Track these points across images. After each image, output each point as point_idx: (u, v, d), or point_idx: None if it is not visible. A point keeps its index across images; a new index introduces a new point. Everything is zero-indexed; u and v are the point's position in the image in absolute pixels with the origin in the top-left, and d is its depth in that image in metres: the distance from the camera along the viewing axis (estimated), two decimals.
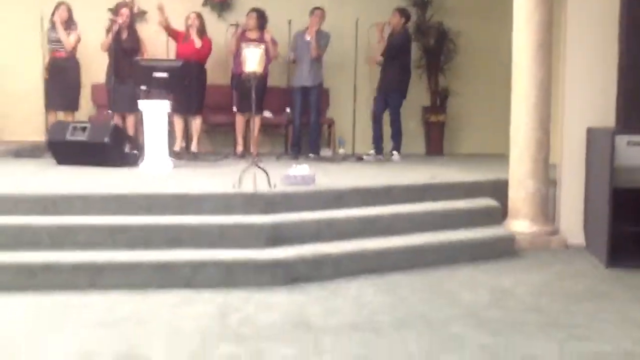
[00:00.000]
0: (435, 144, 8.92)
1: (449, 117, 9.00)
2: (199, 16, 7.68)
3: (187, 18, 7.61)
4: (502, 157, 6.03)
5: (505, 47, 5.78)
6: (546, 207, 5.37)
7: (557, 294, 4.14)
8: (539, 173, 5.28)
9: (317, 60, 7.82)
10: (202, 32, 7.63)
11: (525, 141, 5.27)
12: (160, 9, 7.40)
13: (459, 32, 8.85)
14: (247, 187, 4.68)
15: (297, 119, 7.84)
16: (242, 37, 7.66)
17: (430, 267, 4.59)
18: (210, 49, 7.69)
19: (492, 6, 8.44)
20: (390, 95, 7.92)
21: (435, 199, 5.32)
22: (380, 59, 7.91)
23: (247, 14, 7.85)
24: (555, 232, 5.39)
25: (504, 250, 5.03)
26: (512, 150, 5.40)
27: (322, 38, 7.79)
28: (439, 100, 8.99)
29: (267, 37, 7.55)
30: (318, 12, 7.80)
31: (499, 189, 5.51)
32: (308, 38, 7.74)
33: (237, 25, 7.78)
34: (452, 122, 9.07)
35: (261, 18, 7.79)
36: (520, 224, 5.29)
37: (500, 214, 5.40)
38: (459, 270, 4.60)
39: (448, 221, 5.09)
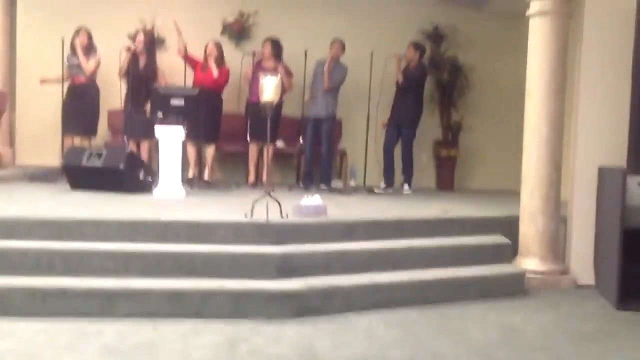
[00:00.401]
0: (446, 179, 8.95)
1: (461, 152, 9.05)
2: (218, 45, 7.77)
3: (206, 47, 7.72)
4: (513, 193, 6.04)
5: (518, 82, 5.83)
6: (557, 246, 5.37)
7: (566, 334, 4.12)
8: (550, 210, 5.29)
9: (331, 92, 7.89)
10: (220, 61, 7.72)
11: (536, 176, 5.30)
12: (177, 30, 7.52)
13: (473, 67, 8.94)
14: (259, 217, 4.71)
15: (309, 150, 7.90)
16: (257, 67, 7.77)
17: (441, 303, 4.60)
18: (227, 78, 7.77)
19: (507, 41, 8.54)
20: (403, 128, 7.98)
21: (446, 234, 5.34)
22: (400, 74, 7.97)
23: (263, 43, 7.96)
24: (565, 271, 5.38)
25: (514, 288, 5.03)
26: (523, 185, 5.42)
27: (338, 71, 7.86)
28: (451, 134, 9.04)
29: (279, 69, 7.63)
30: (335, 44, 7.88)
31: (510, 226, 5.52)
32: (325, 68, 7.83)
33: (253, 54, 7.90)
34: (463, 157, 9.12)
35: (276, 47, 7.90)
36: (531, 262, 5.29)
37: (510, 251, 5.40)
38: (469, 307, 4.60)
39: (459, 257, 5.10)
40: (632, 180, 4.78)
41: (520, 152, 5.51)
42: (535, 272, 5.23)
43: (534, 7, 5.33)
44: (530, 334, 4.08)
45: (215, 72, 7.60)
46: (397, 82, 8.05)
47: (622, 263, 4.71)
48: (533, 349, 3.78)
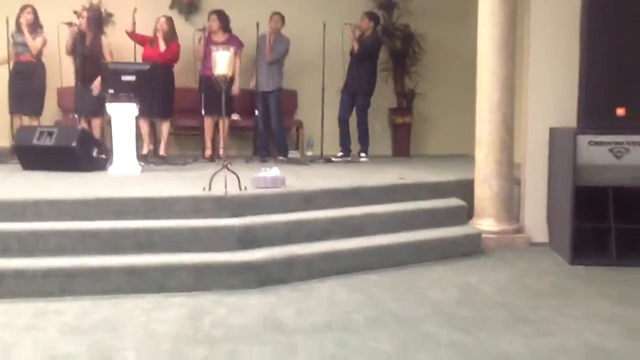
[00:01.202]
0: (402, 146, 9.04)
1: (415, 119, 9.13)
2: (169, 20, 7.65)
3: (157, 21, 7.58)
4: (467, 157, 6.14)
5: (470, 48, 5.89)
6: (511, 206, 5.50)
7: (522, 290, 4.25)
8: (503, 172, 5.41)
9: (274, 65, 7.87)
10: (170, 35, 7.60)
11: (489, 140, 5.39)
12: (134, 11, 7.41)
13: (425, 35, 8.99)
14: (218, 190, 4.70)
15: (261, 123, 7.90)
16: (208, 41, 7.68)
17: (400, 267, 4.68)
18: (177, 53, 7.65)
19: (457, 8, 8.58)
20: (357, 97, 8.02)
21: (403, 199, 5.41)
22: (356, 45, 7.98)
23: (209, 17, 7.88)
24: (519, 230, 5.52)
25: (471, 248, 5.15)
26: (476, 149, 5.51)
27: (280, 44, 7.85)
28: (405, 102, 9.11)
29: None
30: (275, 17, 7.87)
31: (465, 189, 5.63)
32: (267, 42, 7.80)
33: (203, 30, 7.80)
34: (418, 124, 9.21)
35: (223, 19, 7.82)
36: (486, 223, 5.41)
37: (466, 214, 5.51)
38: (428, 269, 4.70)
39: (416, 221, 5.18)
40: (582, 140, 4.90)
41: (474, 117, 5.59)
42: (490, 232, 5.35)
43: None
44: (487, 291, 4.19)
45: (162, 46, 7.49)
46: (351, 52, 8.05)
47: (574, 220, 4.86)
48: (491, 306, 3.88)
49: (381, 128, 9.13)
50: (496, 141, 5.37)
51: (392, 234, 4.94)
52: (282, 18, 7.92)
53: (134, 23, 7.52)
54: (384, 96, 8.89)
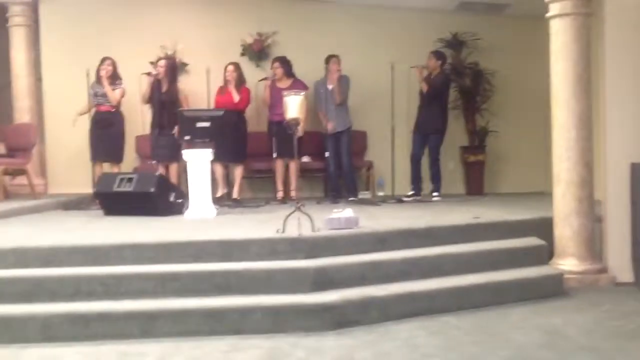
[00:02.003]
0: (476, 184, 8.91)
1: (488, 157, 9.01)
2: (236, 67, 7.86)
3: (225, 70, 7.81)
4: (544, 194, 5.99)
5: (542, 84, 5.80)
6: (593, 245, 5.31)
7: (609, 333, 4.07)
8: (584, 209, 5.24)
9: (343, 105, 7.94)
10: (240, 81, 7.82)
11: (567, 177, 5.25)
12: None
13: (495, 72, 8.92)
14: (291, 232, 4.73)
15: (332, 165, 7.95)
16: (273, 87, 7.85)
17: (479, 308, 4.56)
18: (248, 99, 7.86)
19: (528, 44, 8.50)
20: (429, 136, 7.98)
21: (479, 239, 5.30)
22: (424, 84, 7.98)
23: (272, 65, 8.06)
24: (603, 270, 5.32)
25: (553, 289, 4.97)
26: (554, 187, 5.37)
27: (344, 83, 7.92)
28: (478, 139, 9.01)
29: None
30: (335, 60, 7.94)
31: (544, 228, 5.47)
32: (330, 86, 7.88)
33: (266, 79, 7.99)
34: (491, 162, 9.08)
35: (286, 65, 7.98)
36: (568, 263, 5.24)
37: (546, 253, 5.34)
38: (508, 310, 4.56)
39: (494, 261, 5.06)
40: None
41: (549, 153, 5.47)
42: (573, 273, 5.17)
43: (553, 9, 5.31)
44: (572, 334, 4.03)
45: (235, 96, 7.70)
46: (420, 92, 8.06)
47: None
48: (576, 350, 3.73)
49: (454, 166, 9.05)
50: (575, 178, 5.22)
51: (470, 274, 4.84)
52: (339, 59, 7.97)
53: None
54: (455, 134, 8.84)
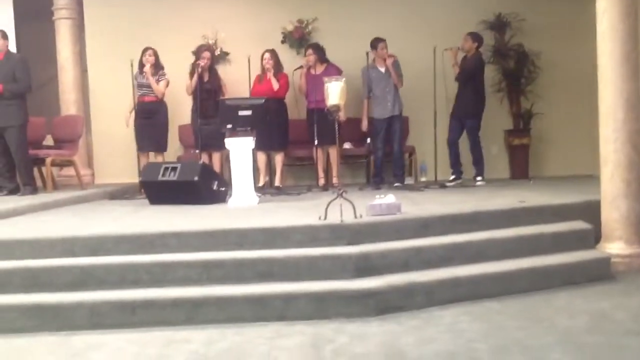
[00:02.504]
0: (520, 168, 8.79)
1: (533, 140, 8.86)
2: (273, 55, 7.85)
3: (262, 58, 7.82)
4: (591, 178, 5.87)
5: (588, 64, 5.68)
6: None
7: None
8: (632, 192, 5.10)
9: (397, 90, 7.88)
10: (277, 68, 7.82)
11: (614, 159, 5.12)
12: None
13: (540, 53, 8.75)
14: (333, 219, 4.74)
15: (381, 150, 7.87)
16: (308, 75, 7.84)
17: (524, 293, 4.50)
18: (287, 86, 7.87)
19: (573, 24, 8.33)
20: (466, 120, 7.88)
21: (524, 223, 5.22)
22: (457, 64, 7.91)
23: (305, 52, 8.04)
24: None
25: (600, 273, 4.87)
26: (602, 169, 5.24)
27: (397, 67, 7.85)
28: (522, 122, 8.87)
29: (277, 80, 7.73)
30: (383, 44, 7.83)
31: (591, 211, 5.35)
32: (382, 69, 7.81)
33: (301, 67, 7.98)
34: (536, 145, 8.94)
35: (318, 51, 7.95)
36: (615, 246, 5.12)
37: (593, 237, 5.23)
38: (553, 295, 4.49)
39: (539, 246, 4.98)
40: None
41: (596, 135, 5.33)
42: (620, 256, 5.05)
43: None
44: (620, 318, 3.95)
45: (275, 84, 7.71)
46: (456, 76, 7.96)
47: None
48: (625, 334, 3.65)
49: (497, 150, 8.94)
50: (622, 159, 5.09)
51: (514, 259, 4.77)
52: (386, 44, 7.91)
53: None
54: (499, 117, 8.72)
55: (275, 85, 7.72)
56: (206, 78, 7.81)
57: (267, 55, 7.83)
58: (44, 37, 9.17)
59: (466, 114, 7.89)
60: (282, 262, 4.42)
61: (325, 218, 4.78)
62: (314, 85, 7.41)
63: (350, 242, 4.61)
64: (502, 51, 8.78)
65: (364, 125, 7.98)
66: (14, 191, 7.13)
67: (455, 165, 7.95)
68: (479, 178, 7.87)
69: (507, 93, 8.88)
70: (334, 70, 7.73)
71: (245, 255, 4.46)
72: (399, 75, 7.80)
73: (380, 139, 7.85)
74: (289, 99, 8.15)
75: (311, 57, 7.94)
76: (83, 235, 4.63)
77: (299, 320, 4.07)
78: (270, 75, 7.76)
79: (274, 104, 7.47)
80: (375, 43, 7.85)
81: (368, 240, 4.67)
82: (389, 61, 7.75)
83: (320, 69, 7.90)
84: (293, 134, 8.07)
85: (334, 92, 5.11)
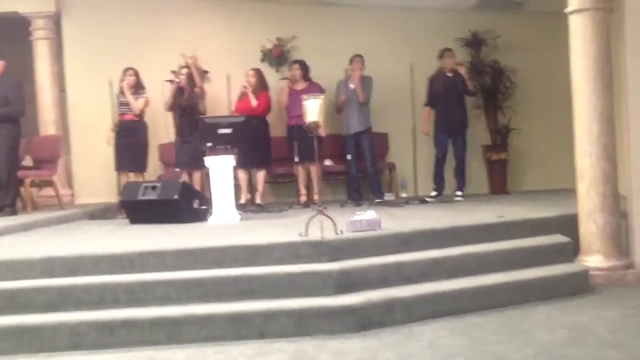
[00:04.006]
0: (499, 183, 8.86)
1: (511, 155, 8.94)
2: (256, 73, 7.89)
3: (246, 75, 7.85)
4: (568, 192, 5.94)
5: (563, 80, 5.74)
6: (619, 241, 5.24)
7: (637, 329, 4.02)
8: (608, 205, 5.17)
9: (365, 105, 7.92)
10: (260, 88, 7.84)
11: (590, 173, 5.19)
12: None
13: (515, 69, 8.86)
14: (314, 235, 4.75)
15: (353, 166, 7.93)
16: (291, 91, 7.88)
17: (504, 307, 4.53)
18: (268, 105, 7.88)
19: (547, 41, 8.45)
20: (457, 135, 7.92)
21: (504, 238, 5.27)
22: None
23: (290, 67, 8.09)
24: (630, 265, 5.25)
25: (578, 286, 4.92)
26: (578, 183, 5.32)
27: (367, 83, 7.91)
28: (500, 138, 8.95)
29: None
30: (359, 59, 7.93)
31: (569, 225, 5.41)
32: (352, 86, 7.87)
33: (287, 78, 8.03)
34: (514, 160, 9.02)
35: (304, 68, 8.01)
36: (593, 259, 5.18)
37: (571, 250, 5.29)
38: (533, 309, 4.53)
39: (518, 260, 5.02)
40: None
41: (573, 149, 5.41)
42: (599, 269, 5.11)
43: (572, 5, 5.25)
44: (599, 331, 3.99)
45: (253, 101, 7.73)
46: (442, 91, 8.00)
47: None
48: (604, 347, 3.69)
49: (476, 166, 9.00)
50: (598, 174, 5.17)
51: (494, 274, 4.81)
52: (363, 59, 7.97)
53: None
54: (477, 133, 8.80)
55: (254, 102, 7.73)
56: (186, 95, 7.80)
57: (250, 72, 7.87)
58: (22, 56, 9.13)
59: (457, 128, 7.94)
60: (262, 279, 4.41)
61: (306, 235, 4.79)
62: (295, 101, 7.44)
63: (331, 259, 4.61)
64: (479, 68, 8.89)
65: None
66: None
67: (441, 181, 7.99)
68: (459, 193, 7.93)
69: (484, 109, 8.97)
70: (317, 89, 7.77)
71: (225, 273, 4.46)
72: (364, 91, 7.83)
73: (352, 156, 7.89)
74: (272, 116, 8.18)
75: (297, 72, 7.99)
76: (62, 256, 4.59)
77: (280, 338, 4.07)
78: (249, 92, 7.78)
79: (254, 121, 7.48)
80: (351, 59, 7.96)
81: (349, 256, 4.68)
82: (356, 75, 7.79)
83: (302, 85, 7.94)
84: (275, 151, 8.07)
85: (313, 109, 5.15)
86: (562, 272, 4.99)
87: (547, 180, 8.86)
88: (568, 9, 5.28)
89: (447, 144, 8.00)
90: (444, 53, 7.99)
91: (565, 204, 6.06)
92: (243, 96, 7.88)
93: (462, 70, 7.89)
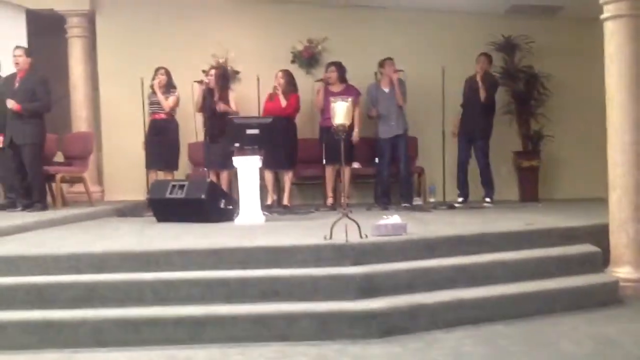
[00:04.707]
0: (530, 190, 8.73)
1: (543, 162, 8.81)
2: (286, 74, 7.90)
3: (275, 76, 7.87)
4: (601, 201, 5.83)
5: (598, 86, 5.64)
6: None
7: None
8: None
9: (401, 108, 7.88)
10: (289, 89, 7.85)
11: (622, 183, 5.09)
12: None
13: (550, 75, 8.73)
14: (339, 239, 4.72)
15: (386, 170, 7.88)
16: (326, 92, 7.86)
17: (530, 317, 4.45)
18: (297, 106, 7.89)
19: (583, 47, 8.31)
20: (477, 140, 7.86)
21: (532, 246, 5.19)
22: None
23: (327, 68, 8.06)
24: None
25: (607, 298, 4.82)
26: (610, 193, 5.22)
27: (402, 85, 7.85)
28: (531, 144, 8.83)
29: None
30: (390, 62, 7.88)
31: (600, 235, 5.31)
32: (387, 89, 7.82)
33: (321, 81, 8.00)
34: (546, 167, 8.88)
35: (341, 70, 7.98)
36: (623, 270, 5.07)
37: (601, 261, 5.19)
38: (559, 319, 4.45)
39: (546, 269, 4.94)
40: None
41: (606, 158, 5.31)
42: (628, 280, 5.00)
43: (608, 11, 5.16)
44: (627, 344, 3.90)
45: (283, 102, 7.74)
46: (468, 96, 7.94)
47: None
48: None
49: (507, 172, 8.89)
50: (631, 183, 5.06)
51: (521, 282, 4.74)
52: (394, 62, 7.93)
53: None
54: (508, 139, 8.69)
55: (283, 103, 7.75)
56: (216, 97, 7.84)
57: (279, 73, 7.88)
58: (57, 54, 9.28)
59: (478, 134, 7.88)
60: (286, 281, 4.40)
61: (331, 238, 4.76)
62: (330, 103, 7.41)
63: (355, 263, 4.58)
64: (512, 73, 8.78)
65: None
66: (28, 207, 7.16)
67: (463, 187, 7.92)
68: (487, 199, 7.84)
69: (516, 115, 8.85)
70: (353, 91, 7.77)
71: (249, 274, 4.45)
72: (402, 93, 7.79)
73: (385, 160, 7.85)
74: (303, 117, 8.17)
75: (333, 75, 7.98)
76: (88, 252, 4.63)
77: (302, 341, 4.04)
78: (279, 93, 7.79)
79: (282, 122, 7.48)
80: (382, 62, 7.91)
81: (373, 260, 4.65)
82: (395, 76, 7.74)
83: (338, 87, 7.92)
84: (303, 152, 8.06)
85: (340, 112, 5.12)
86: (591, 282, 4.90)
87: (579, 188, 8.70)
88: (603, 16, 5.19)
89: (468, 149, 7.93)
90: (477, 58, 7.92)
91: (597, 213, 5.94)
92: (273, 97, 7.89)
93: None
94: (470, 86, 7.93)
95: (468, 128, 7.94)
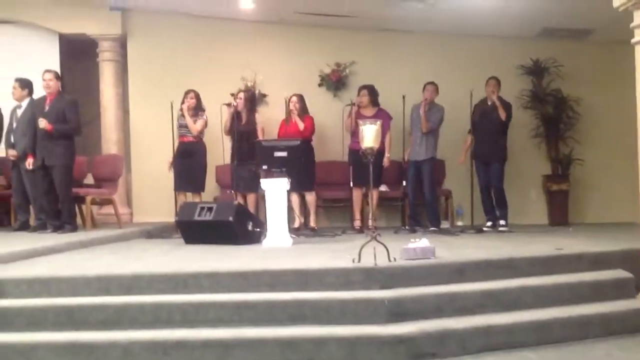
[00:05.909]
0: (559, 214, 8.65)
1: (573, 185, 8.72)
2: (300, 99, 7.98)
3: (289, 101, 7.93)
4: (633, 225, 5.74)
5: (628, 111, 5.59)
6: None
7: None
8: None
9: (430, 134, 7.86)
10: (304, 112, 7.93)
11: None
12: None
13: (579, 99, 8.67)
14: (367, 262, 4.70)
15: (411, 193, 7.87)
16: (357, 115, 7.88)
17: (561, 343, 4.37)
18: (313, 128, 7.96)
19: (614, 70, 8.23)
20: (494, 164, 7.79)
21: (562, 271, 5.11)
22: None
23: (359, 92, 8.10)
24: None
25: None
26: None
27: (434, 113, 7.85)
28: (561, 168, 8.75)
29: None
30: (429, 87, 7.90)
31: (632, 260, 5.23)
32: (420, 113, 7.84)
33: (352, 104, 8.03)
34: (576, 191, 8.79)
35: (373, 93, 8.01)
36: None
37: (633, 286, 5.09)
38: (591, 346, 4.36)
39: (577, 294, 4.86)
40: None
41: (637, 182, 5.24)
42: None
43: (639, 35, 5.14)
44: None
45: (300, 124, 7.82)
46: (479, 120, 7.89)
47: None
48: None
49: (536, 196, 8.81)
50: None
51: (551, 308, 4.66)
52: (436, 88, 7.95)
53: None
54: (537, 163, 8.63)
55: (301, 126, 7.83)
56: (243, 120, 7.91)
57: (294, 98, 7.98)
58: (88, 77, 9.45)
59: (490, 158, 7.81)
60: (314, 304, 4.38)
61: (359, 261, 4.75)
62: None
63: (384, 286, 4.55)
64: (540, 96, 8.74)
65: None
66: (58, 229, 7.25)
67: (490, 210, 7.86)
68: (502, 222, 7.77)
69: (545, 138, 8.79)
70: (384, 115, 7.78)
71: (277, 297, 4.44)
72: (427, 119, 7.79)
73: (411, 182, 7.84)
74: (331, 140, 8.19)
75: (364, 98, 8.02)
76: (118, 274, 4.67)
77: None
78: (294, 116, 7.86)
79: (306, 144, 7.52)
80: (425, 85, 7.94)
81: (401, 284, 4.61)
82: (424, 104, 7.77)
83: (371, 111, 7.94)
84: (330, 175, 8.08)
85: (369, 135, 5.13)
86: (623, 308, 4.80)
87: (610, 212, 8.59)
88: (634, 39, 5.16)
89: (487, 172, 7.86)
90: (487, 82, 7.91)
91: (629, 237, 5.85)
92: (288, 120, 7.96)
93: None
94: (483, 110, 7.86)
95: (483, 152, 7.84)
